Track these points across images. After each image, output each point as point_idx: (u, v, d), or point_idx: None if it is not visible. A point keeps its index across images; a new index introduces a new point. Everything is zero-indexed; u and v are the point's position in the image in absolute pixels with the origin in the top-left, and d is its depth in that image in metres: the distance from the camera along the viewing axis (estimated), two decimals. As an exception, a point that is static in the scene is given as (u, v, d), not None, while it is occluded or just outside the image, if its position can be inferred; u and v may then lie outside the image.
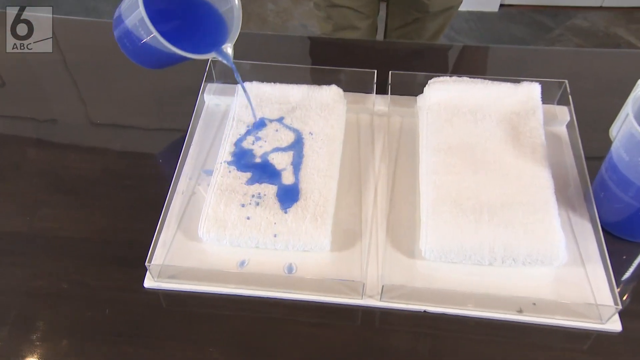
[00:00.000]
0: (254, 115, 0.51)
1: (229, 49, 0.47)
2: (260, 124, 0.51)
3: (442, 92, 0.51)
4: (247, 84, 0.54)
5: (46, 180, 0.51)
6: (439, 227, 0.43)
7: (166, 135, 0.56)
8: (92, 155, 0.53)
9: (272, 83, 0.54)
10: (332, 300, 0.42)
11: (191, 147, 0.52)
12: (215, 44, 0.48)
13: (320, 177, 0.47)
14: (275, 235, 0.43)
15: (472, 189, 0.45)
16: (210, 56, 0.47)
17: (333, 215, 0.45)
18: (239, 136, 0.50)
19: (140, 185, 0.50)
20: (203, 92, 0.55)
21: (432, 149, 0.48)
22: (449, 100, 0.51)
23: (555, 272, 0.43)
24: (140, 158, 0.54)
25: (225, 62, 0.48)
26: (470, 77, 0.52)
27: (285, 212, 0.44)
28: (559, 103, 0.54)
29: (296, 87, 0.53)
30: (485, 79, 0.51)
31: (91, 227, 0.47)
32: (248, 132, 0.50)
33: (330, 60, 0.62)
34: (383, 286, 0.41)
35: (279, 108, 0.52)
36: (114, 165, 0.52)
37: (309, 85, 0.53)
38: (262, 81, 0.54)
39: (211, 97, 0.56)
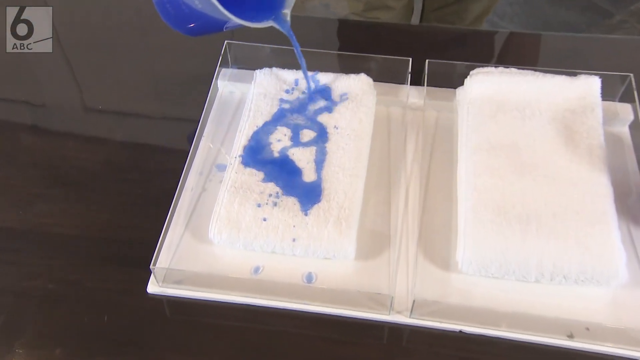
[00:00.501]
0: (309, 87, 0.52)
1: (287, 15, 0.47)
2: (280, 116, 0.51)
3: (486, 84, 0.51)
4: (265, 70, 0.55)
5: (42, 171, 0.53)
6: (478, 236, 0.43)
7: (175, 125, 0.57)
8: (93, 145, 0.54)
9: (294, 70, 0.54)
10: (355, 315, 0.43)
11: (202, 138, 0.53)
12: (271, 8, 0.47)
13: (346, 176, 0.47)
14: (294, 240, 0.44)
15: (518, 195, 0.45)
16: (267, 24, 0.47)
17: (359, 219, 0.46)
18: (256, 128, 0.51)
19: (146, 180, 0.51)
20: (217, 78, 0.56)
21: (472, 149, 0.48)
22: (494, 94, 0.50)
23: (613, 293, 0.43)
24: (145, 150, 0.55)
25: (283, 30, 0.48)
26: (518, 69, 0.52)
27: (306, 215, 0.45)
28: (621, 100, 0.53)
29: (320, 75, 0.54)
30: (535, 70, 0.51)
31: (90, 224, 0.48)
32: (267, 124, 0.51)
33: (359, 45, 0.62)
34: (414, 301, 0.41)
35: (301, 98, 0.53)
36: (116, 157, 0.53)
37: (334, 74, 0.54)
38: (283, 67, 0.55)
39: (225, 84, 0.57)
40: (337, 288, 0.43)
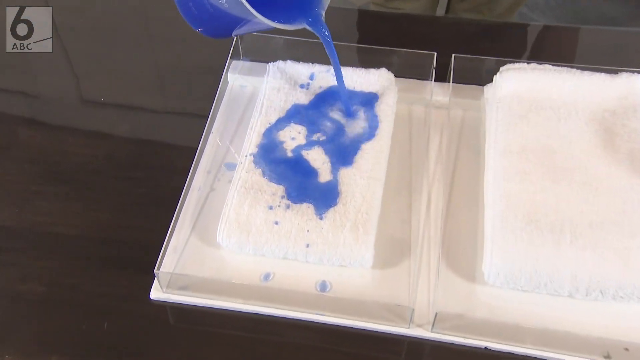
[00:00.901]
0: (348, 107, 0.51)
1: (322, 16, 0.47)
2: (295, 112, 0.52)
3: (517, 81, 0.51)
4: (279, 63, 0.55)
5: (40, 167, 0.53)
6: (507, 246, 0.43)
7: (182, 120, 0.58)
8: (94, 140, 0.55)
9: (310, 63, 0.55)
10: (372, 327, 0.43)
11: (211, 135, 0.53)
12: (305, 9, 0.47)
13: (364, 178, 0.47)
14: (307, 245, 0.44)
15: (551, 202, 0.45)
16: (301, 26, 0.47)
17: (377, 224, 0.46)
18: (268, 125, 0.51)
19: (150, 178, 0.52)
20: (227, 71, 0.57)
21: (501, 151, 0.48)
22: (525, 92, 0.50)
23: (655, 310, 0.42)
24: (150, 146, 0.55)
25: (318, 34, 0.47)
26: (553, 65, 0.52)
27: (321, 219, 0.45)
28: (666, 100, 0.53)
29: (338, 69, 0.54)
30: (572, 67, 0.51)
31: (91, 224, 0.49)
32: (280, 121, 0.51)
33: (380, 37, 0.62)
34: (436, 314, 0.41)
35: (317, 93, 0.53)
36: (119, 153, 0.54)
37: (352, 68, 0.54)
38: (298, 60, 0.55)
39: (236, 77, 0.57)
40: (353, 298, 0.43)
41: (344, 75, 0.53)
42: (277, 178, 0.48)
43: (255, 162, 0.49)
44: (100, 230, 0.49)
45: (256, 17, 0.42)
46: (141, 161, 0.53)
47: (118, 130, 0.56)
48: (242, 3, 0.41)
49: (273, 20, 0.44)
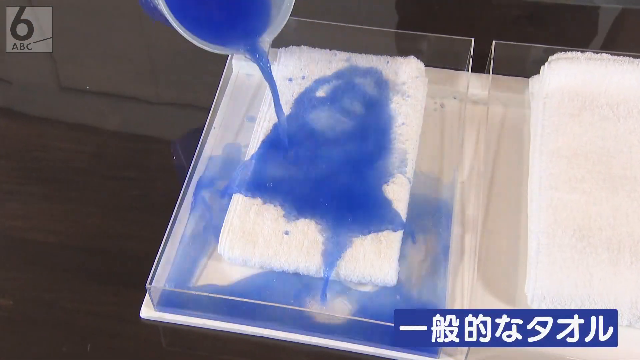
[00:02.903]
0: (281, 123, 0.50)
1: (266, 43, 0.48)
2: (309, 106, 0.52)
3: (569, 73, 0.51)
4: (292, 49, 0.55)
5: (15, 163, 0.54)
6: (555, 265, 0.43)
7: (181, 113, 0.59)
8: (80, 134, 0.56)
9: (327, 50, 0.55)
10: (396, 356, 0.43)
11: (212, 130, 0.53)
12: (247, 32, 0.48)
13: (388, 183, 0.47)
14: (322, 260, 0.44)
15: (607, 215, 0.44)
16: (237, 52, 0.48)
17: (403, 237, 0.46)
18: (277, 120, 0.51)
19: (144, 178, 0.52)
20: (232, 57, 0.57)
21: (549, 155, 0.48)
22: (579, 86, 0.50)
23: None
24: (145, 141, 0.56)
25: (255, 62, 0.48)
26: (612, 54, 0.51)
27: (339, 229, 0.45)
28: None
29: (359, 57, 0.54)
30: (635, 57, 0.51)
31: (74, 231, 0.49)
32: (291, 115, 0.51)
33: (408, 21, 0.62)
34: (471, 343, 0.41)
35: (334, 85, 0.53)
36: (109, 149, 0.54)
37: (376, 56, 0.54)
38: (313, 46, 0.55)
39: (242, 64, 0.57)
40: (375, 321, 0.43)
41: (366, 62, 0.54)
42: (284, 183, 0.47)
43: (261, 162, 0.49)
44: (84, 237, 0.49)
45: (175, 28, 0.44)
46: (133, 159, 0.54)
47: (107, 123, 0.56)
48: (166, 15, 0.43)
49: (208, 40, 0.46)
